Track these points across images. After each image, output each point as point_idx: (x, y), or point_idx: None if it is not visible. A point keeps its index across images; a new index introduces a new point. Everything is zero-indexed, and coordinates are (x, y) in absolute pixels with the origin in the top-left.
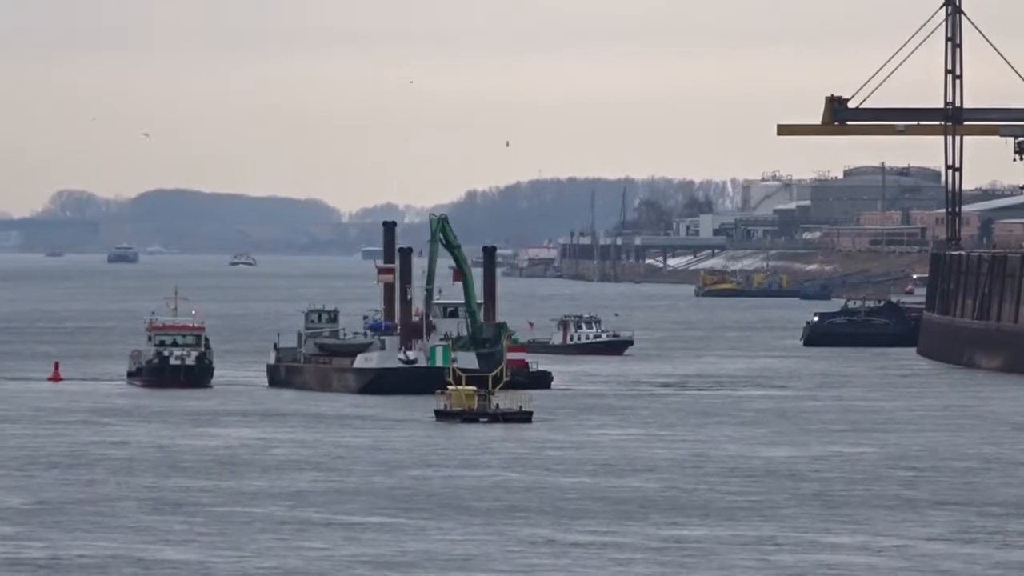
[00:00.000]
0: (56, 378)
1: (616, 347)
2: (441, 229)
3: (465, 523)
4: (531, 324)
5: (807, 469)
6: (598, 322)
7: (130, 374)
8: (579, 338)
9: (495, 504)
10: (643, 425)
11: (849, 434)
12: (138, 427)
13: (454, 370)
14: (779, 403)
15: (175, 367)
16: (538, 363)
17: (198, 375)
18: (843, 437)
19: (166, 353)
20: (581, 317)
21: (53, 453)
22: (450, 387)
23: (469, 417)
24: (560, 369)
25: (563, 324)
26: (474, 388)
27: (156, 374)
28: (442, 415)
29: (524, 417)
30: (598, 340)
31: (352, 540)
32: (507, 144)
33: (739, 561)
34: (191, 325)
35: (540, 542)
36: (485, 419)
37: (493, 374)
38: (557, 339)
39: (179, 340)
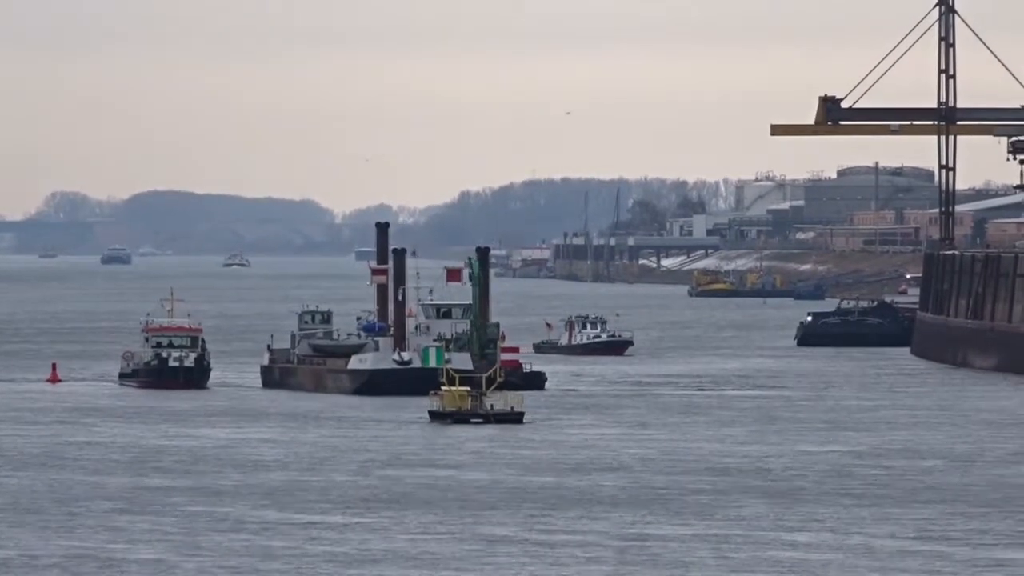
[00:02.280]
0: (54, 379)
1: (617, 347)
2: (478, 265)
3: (432, 521)
4: (549, 325)
5: (777, 467)
6: (603, 322)
7: (122, 375)
8: (581, 338)
9: (463, 502)
10: (627, 425)
11: (826, 432)
12: (125, 427)
13: (447, 371)
14: (765, 403)
15: (174, 368)
16: (532, 364)
17: (197, 376)
18: (819, 436)
19: (165, 354)
20: (586, 318)
21: (31, 453)
22: (443, 388)
23: (461, 418)
24: (557, 369)
25: (569, 324)
26: (467, 389)
27: (155, 375)
28: (436, 416)
29: (515, 418)
30: (598, 340)
31: (317, 539)
32: (366, 160)
33: (698, 558)
34: (189, 327)
35: (504, 540)
36: (478, 420)
37: (487, 375)
38: (564, 339)
39: (176, 341)
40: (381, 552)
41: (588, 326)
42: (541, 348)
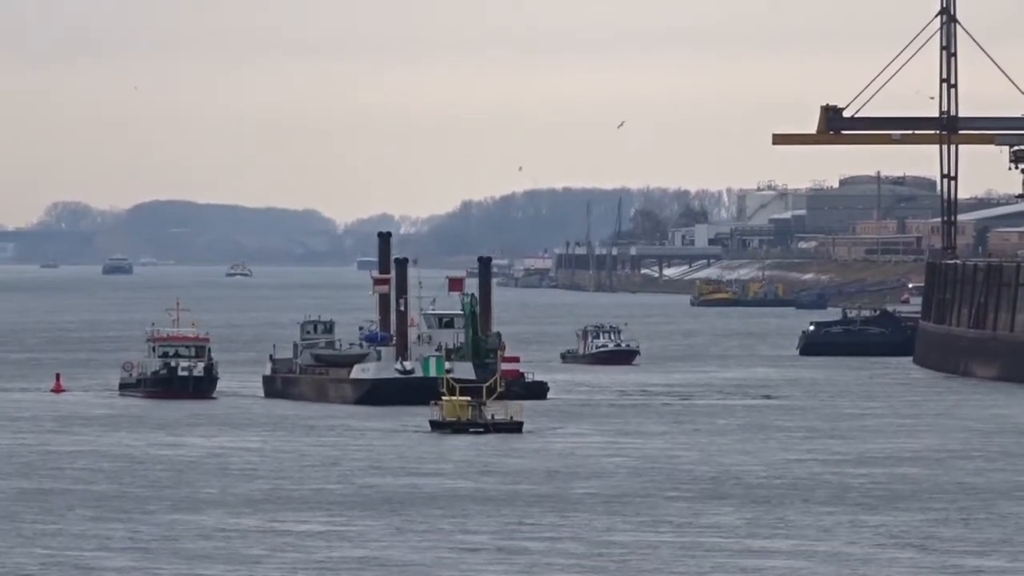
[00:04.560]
0: (58, 389)
1: (624, 356)
2: (471, 304)
3: (407, 529)
4: (579, 335)
5: (755, 475)
6: (618, 332)
7: (123, 386)
8: (592, 348)
9: (441, 510)
10: (618, 434)
11: (811, 441)
12: (116, 436)
13: (448, 380)
14: (759, 412)
15: (183, 378)
16: (534, 373)
17: (206, 386)
18: (804, 444)
19: (173, 364)
20: (600, 327)
21: (18, 462)
22: (444, 398)
23: (461, 427)
24: (563, 379)
25: (584, 334)
26: (467, 398)
27: (163, 385)
28: (436, 425)
29: (515, 427)
30: (604, 350)
31: (292, 546)
32: (519, 169)
33: (664, 565)
34: (197, 336)
35: (475, 547)
36: (478, 429)
37: (487, 384)
38: (581, 349)
39: (182, 351)
40: (355, 559)
41: (601, 335)
42: (566, 357)
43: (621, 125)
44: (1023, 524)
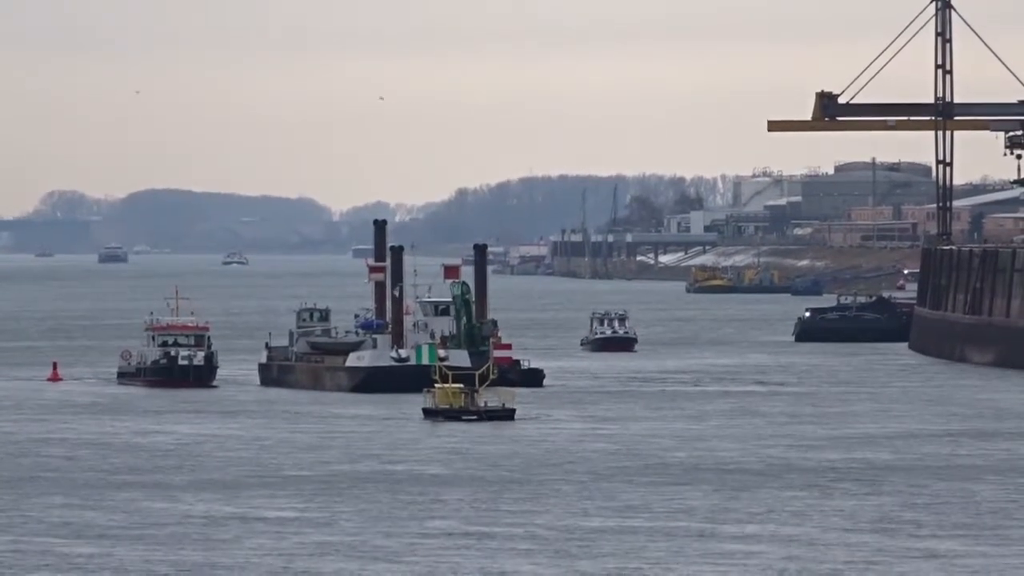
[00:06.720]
0: (55, 378)
1: (625, 343)
2: (463, 293)
3: (377, 514)
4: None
5: (730, 460)
6: (622, 319)
7: (121, 374)
8: (594, 335)
9: (412, 496)
10: (604, 420)
11: (794, 426)
12: (100, 423)
13: (440, 368)
14: (748, 398)
15: (184, 367)
16: (529, 360)
17: (206, 375)
18: (785, 428)
19: (173, 353)
20: (606, 314)
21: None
22: (436, 385)
23: (454, 415)
24: (560, 366)
25: (591, 321)
26: (460, 386)
27: (164, 374)
28: (429, 413)
29: (507, 415)
30: (603, 336)
31: (262, 533)
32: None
33: (631, 551)
34: (197, 325)
35: (445, 532)
36: (471, 417)
37: (480, 372)
38: (589, 335)
39: (181, 340)
40: (327, 544)
41: (605, 323)
42: (584, 343)
43: (382, 99)
44: (992, 507)
